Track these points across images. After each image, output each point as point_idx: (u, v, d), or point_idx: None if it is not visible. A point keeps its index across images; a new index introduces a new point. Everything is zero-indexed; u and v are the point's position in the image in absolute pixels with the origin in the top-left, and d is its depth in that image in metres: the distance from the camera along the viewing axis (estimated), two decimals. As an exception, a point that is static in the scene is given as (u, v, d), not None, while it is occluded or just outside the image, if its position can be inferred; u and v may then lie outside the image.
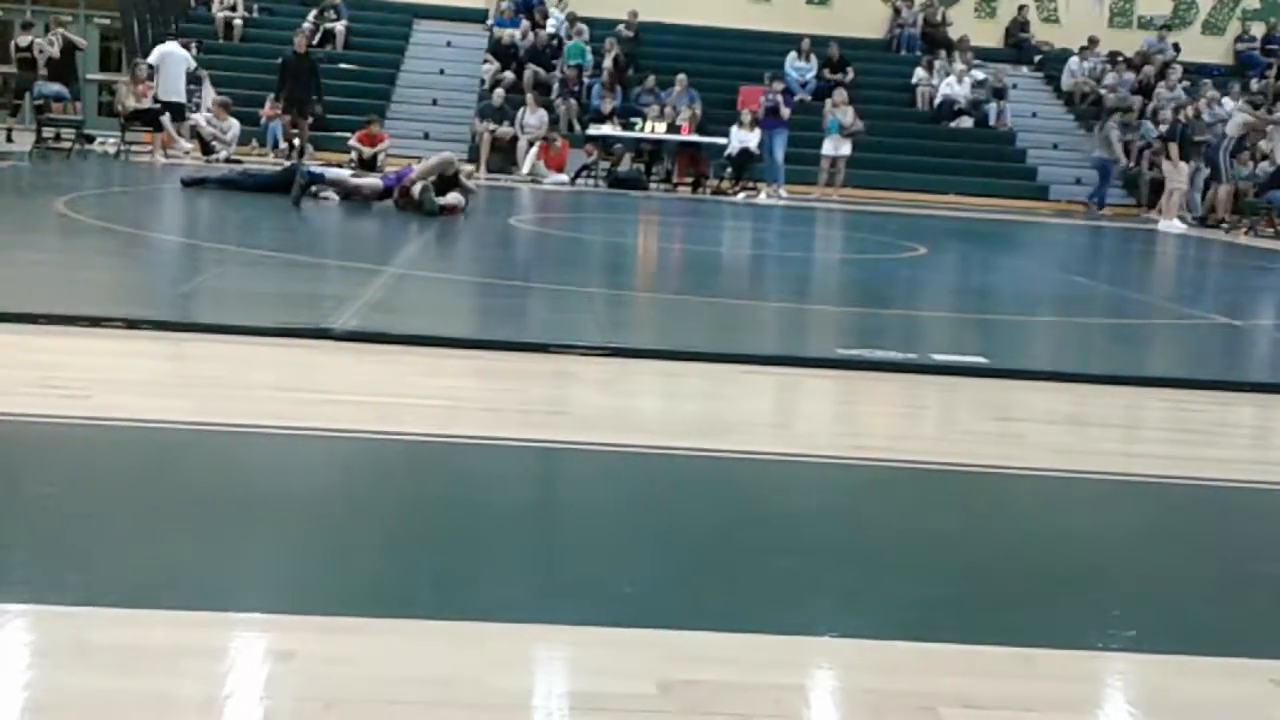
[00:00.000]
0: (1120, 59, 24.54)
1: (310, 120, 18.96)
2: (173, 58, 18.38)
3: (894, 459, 4.08)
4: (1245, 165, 20.44)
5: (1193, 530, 3.71)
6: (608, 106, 21.47)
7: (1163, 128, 20.99)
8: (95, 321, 5.27)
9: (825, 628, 2.64)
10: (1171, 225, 18.41)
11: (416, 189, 12.03)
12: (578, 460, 3.90)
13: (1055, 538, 3.45)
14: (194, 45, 21.17)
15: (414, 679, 2.29)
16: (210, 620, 2.48)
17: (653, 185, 20.14)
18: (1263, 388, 5.73)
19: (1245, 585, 3.16)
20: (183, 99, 18.56)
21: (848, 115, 20.40)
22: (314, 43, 22.72)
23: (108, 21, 24.60)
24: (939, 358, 5.75)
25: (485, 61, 22.51)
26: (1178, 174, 19.00)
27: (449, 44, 23.60)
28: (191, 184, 13.10)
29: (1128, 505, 3.89)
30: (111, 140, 18.25)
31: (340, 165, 18.97)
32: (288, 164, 15.10)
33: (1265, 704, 2.47)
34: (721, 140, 20.15)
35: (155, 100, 18.12)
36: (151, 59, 18.49)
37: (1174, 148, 18.89)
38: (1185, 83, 23.66)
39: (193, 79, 19.05)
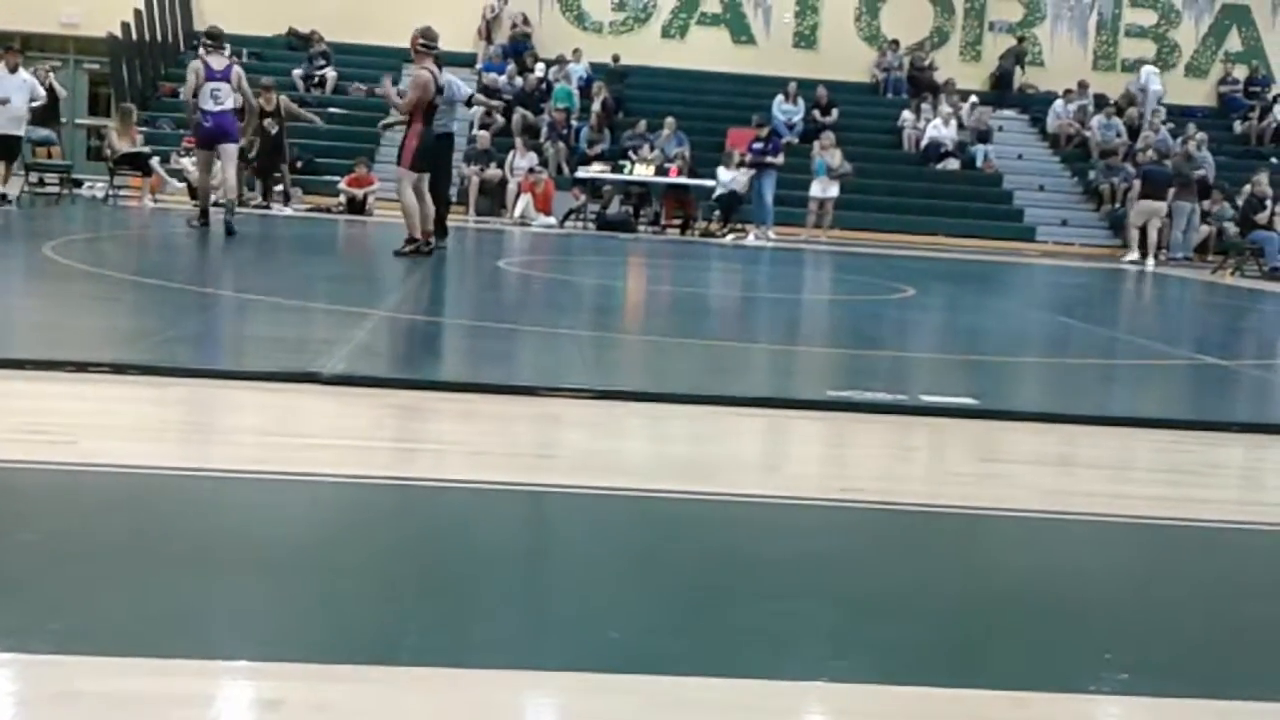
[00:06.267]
0: (1111, 103, 24.79)
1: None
2: (11, 86, 16.08)
3: (884, 501, 4.07)
4: (1222, 206, 20.63)
5: (1184, 571, 3.70)
6: (596, 149, 21.56)
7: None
8: (81, 367, 5.25)
9: (816, 672, 2.62)
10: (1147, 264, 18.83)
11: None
12: (565, 504, 3.88)
13: (1046, 580, 3.44)
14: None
15: (402, 727, 2.27)
16: (197, 669, 2.45)
17: (641, 227, 20.20)
18: (1251, 428, 5.74)
19: (1237, 627, 3.15)
20: (17, 132, 16.24)
21: (835, 157, 20.51)
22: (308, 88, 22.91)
23: (96, 67, 24.68)
24: (928, 399, 5.75)
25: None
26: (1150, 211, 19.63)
27: (438, 88, 23.69)
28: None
29: (1118, 547, 3.88)
30: (99, 185, 18.25)
31: (330, 210, 19.16)
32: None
33: (1258, 747, 2.46)
34: (710, 182, 20.22)
35: None
36: None
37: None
38: (1169, 124, 23.90)
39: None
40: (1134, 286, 16.28)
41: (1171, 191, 20.17)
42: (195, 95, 13.11)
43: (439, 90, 11.99)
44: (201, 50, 14.06)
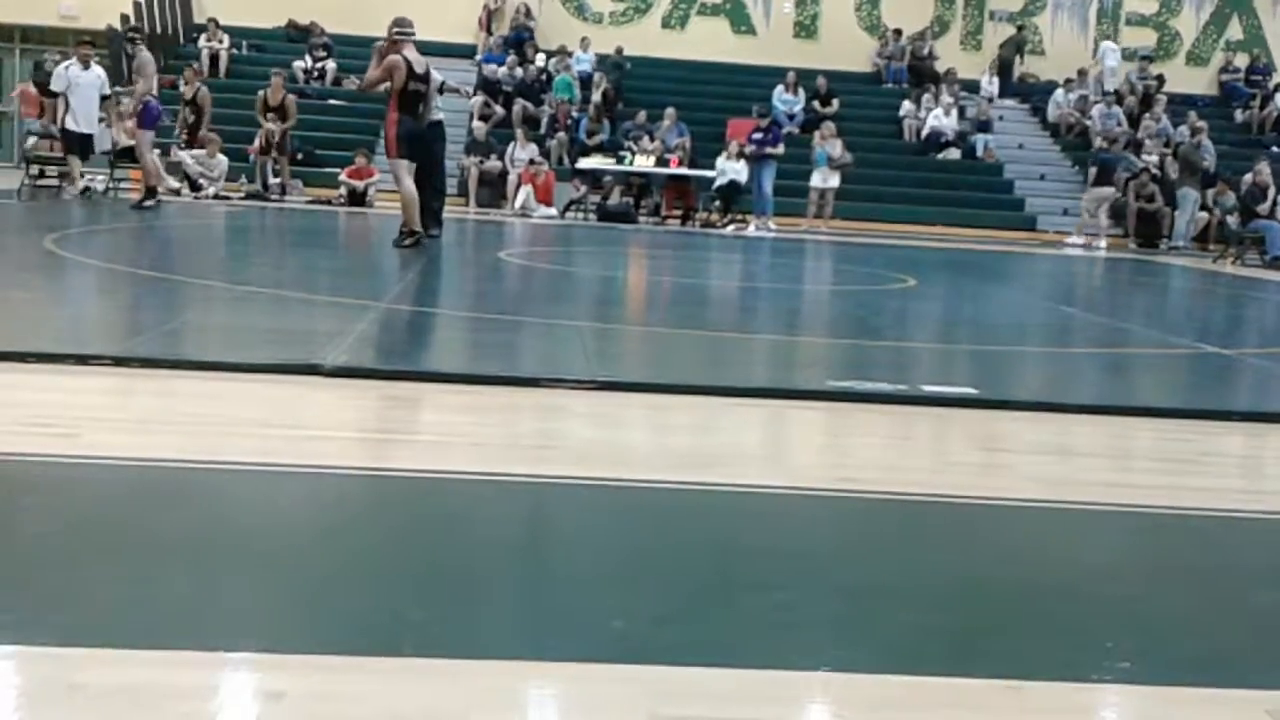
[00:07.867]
0: (1112, 91, 24.76)
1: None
2: (84, 82, 16.23)
3: (884, 491, 4.08)
4: (1225, 195, 20.62)
5: (1182, 560, 3.71)
6: (595, 140, 21.55)
7: (1150, 158, 21.37)
8: (82, 359, 5.26)
9: (816, 662, 2.63)
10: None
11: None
12: (567, 495, 3.89)
13: (1045, 569, 3.45)
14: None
15: (403, 717, 2.28)
16: (200, 660, 2.46)
17: (641, 218, 20.18)
18: (1251, 416, 5.75)
19: (1236, 615, 3.16)
20: (94, 130, 16.54)
21: (836, 147, 20.49)
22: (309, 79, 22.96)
23: (96, 59, 24.62)
24: (929, 389, 5.76)
25: (474, 95, 22.55)
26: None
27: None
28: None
29: (1117, 536, 3.89)
30: (100, 177, 18.22)
31: (330, 201, 19.15)
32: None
33: (1257, 735, 2.47)
34: (710, 173, 20.20)
35: (61, 131, 16.26)
36: (55, 84, 16.43)
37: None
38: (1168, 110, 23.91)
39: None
40: (1134, 276, 16.27)
41: (1122, 175, 20.80)
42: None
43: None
44: (141, 44, 15.94)
